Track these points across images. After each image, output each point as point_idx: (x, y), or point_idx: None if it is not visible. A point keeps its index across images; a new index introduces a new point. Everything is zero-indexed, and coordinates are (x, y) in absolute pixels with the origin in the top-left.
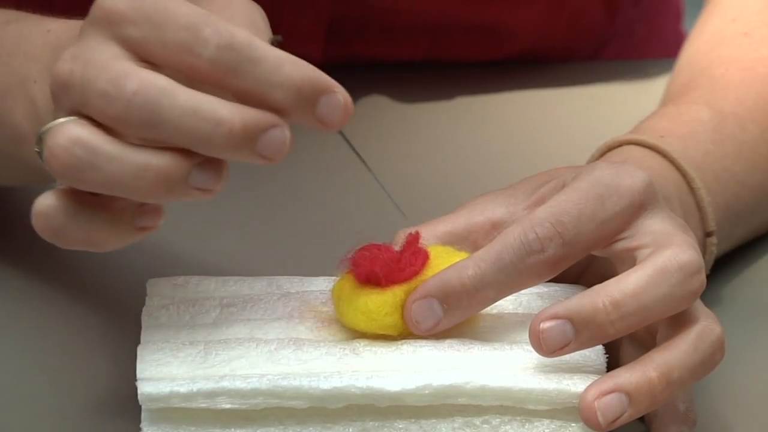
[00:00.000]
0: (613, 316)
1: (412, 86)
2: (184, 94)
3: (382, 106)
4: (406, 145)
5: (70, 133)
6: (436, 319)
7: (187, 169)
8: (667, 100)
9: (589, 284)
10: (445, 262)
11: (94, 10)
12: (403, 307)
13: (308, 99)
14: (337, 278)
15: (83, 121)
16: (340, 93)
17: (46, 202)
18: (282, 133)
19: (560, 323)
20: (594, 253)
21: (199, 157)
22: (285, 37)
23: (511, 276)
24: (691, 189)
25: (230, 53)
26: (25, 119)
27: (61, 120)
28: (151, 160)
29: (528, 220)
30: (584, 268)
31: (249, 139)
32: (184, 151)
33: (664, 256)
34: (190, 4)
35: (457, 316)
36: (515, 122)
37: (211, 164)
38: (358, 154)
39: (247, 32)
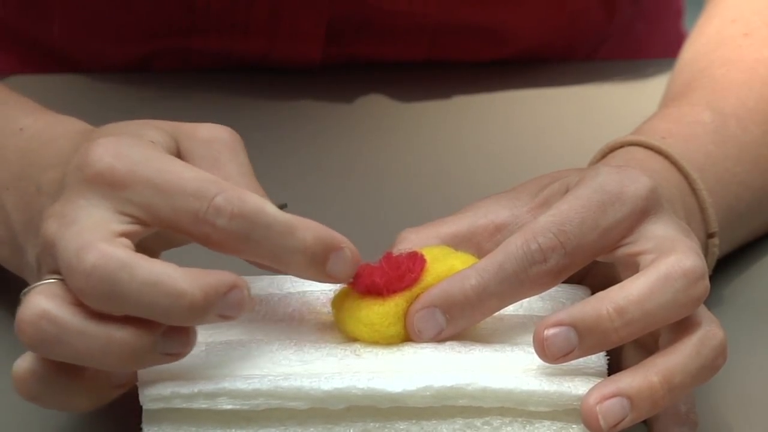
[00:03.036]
0: (617, 323)
1: (412, 86)
2: (143, 267)
3: (381, 107)
4: (406, 146)
5: (38, 306)
6: (439, 329)
7: (152, 340)
8: (667, 101)
9: (592, 286)
10: (442, 265)
11: (84, 169)
12: (405, 316)
13: (320, 258)
14: (336, 288)
15: (55, 290)
16: (347, 248)
17: (24, 366)
18: (241, 293)
19: (564, 330)
20: (597, 259)
21: (164, 325)
22: (284, 38)
23: (514, 286)
24: (693, 190)
25: (242, 222)
26: None
27: (39, 284)
28: (115, 334)
29: (530, 230)
30: (587, 270)
31: (210, 306)
32: (148, 322)
33: (667, 262)
34: (191, 166)
35: (459, 326)
36: (515, 122)
37: (177, 329)
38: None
39: (256, 197)
